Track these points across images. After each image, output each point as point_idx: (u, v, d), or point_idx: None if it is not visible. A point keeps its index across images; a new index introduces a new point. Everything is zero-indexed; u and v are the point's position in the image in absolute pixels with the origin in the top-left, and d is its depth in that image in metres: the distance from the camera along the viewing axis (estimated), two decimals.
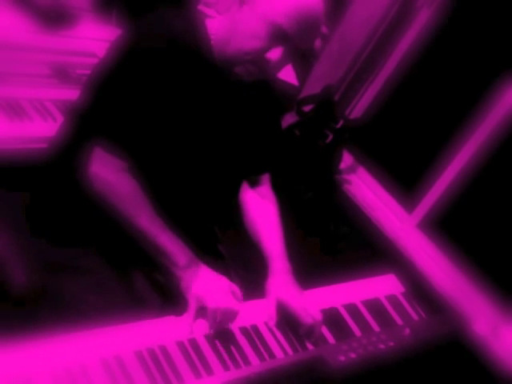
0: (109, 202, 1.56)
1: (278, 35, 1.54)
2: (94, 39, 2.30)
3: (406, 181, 3.49)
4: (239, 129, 1.75)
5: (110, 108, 1.57)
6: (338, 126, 3.46)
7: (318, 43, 1.63)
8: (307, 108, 3.57)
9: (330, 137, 3.47)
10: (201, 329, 1.50)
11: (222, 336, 1.50)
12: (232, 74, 1.61)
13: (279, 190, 3.35)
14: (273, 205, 1.90)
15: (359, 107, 3.61)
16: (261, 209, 1.88)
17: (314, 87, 3.60)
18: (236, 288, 1.61)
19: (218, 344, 1.48)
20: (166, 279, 1.70)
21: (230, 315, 1.55)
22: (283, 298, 1.67)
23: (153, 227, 1.57)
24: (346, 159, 3.75)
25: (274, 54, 1.56)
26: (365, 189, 3.72)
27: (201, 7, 2.71)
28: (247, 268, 1.81)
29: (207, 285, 1.55)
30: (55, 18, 2.28)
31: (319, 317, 1.67)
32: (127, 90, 1.55)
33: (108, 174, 1.56)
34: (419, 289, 2.29)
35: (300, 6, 1.52)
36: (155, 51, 1.54)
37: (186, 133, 1.63)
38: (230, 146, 1.74)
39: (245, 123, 1.76)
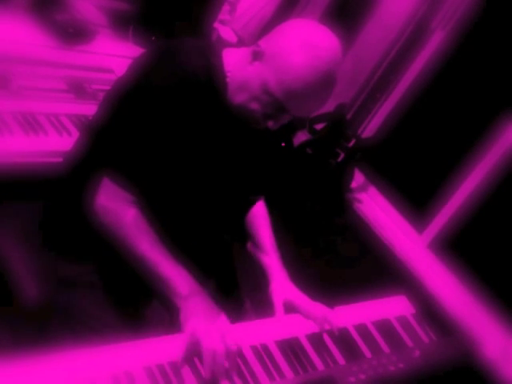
0: (111, 232, 1.55)
1: (275, 106, 1.53)
2: (111, 55, 2.32)
3: (416, 201, 3.49)
4: (246, 161, 1.76)
5: (119, 140, 1.57)
6: (350, 144, 3.46)
7: None
8: (319, 126, 3.57)
9: (342, 155, 3.47)
10: None
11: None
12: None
13: (290, 208, 3.36)
14: (265, 214, 1.92)
15: (371, 127, 3.61)
16: (255, 217, 1.91)
17: (326, 106, 3.60)
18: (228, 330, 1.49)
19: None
20: None
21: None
22: (289, 298, 1.73)
23: (154, 255, 1.53)
24: (358, 178, 3.74)
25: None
26: (375, 208, 3.71)
27: (216, 25, 2.74)
28: (258, 288, 1.81)
29: (204, 323, 1.46)
30: (73, 33, 2.31)
31: (327, 309, 1.72)
32: (137, 123, 1.55)
33: (113, 205, 1.55)
34: (429, 310, 2.28)
35: (304, 82, 1.48)
36: (167, 88, 1.52)
37: (193, 163, 1.63)
38: (235, 173, 1.75)
39: (253, 154, 1.77)
